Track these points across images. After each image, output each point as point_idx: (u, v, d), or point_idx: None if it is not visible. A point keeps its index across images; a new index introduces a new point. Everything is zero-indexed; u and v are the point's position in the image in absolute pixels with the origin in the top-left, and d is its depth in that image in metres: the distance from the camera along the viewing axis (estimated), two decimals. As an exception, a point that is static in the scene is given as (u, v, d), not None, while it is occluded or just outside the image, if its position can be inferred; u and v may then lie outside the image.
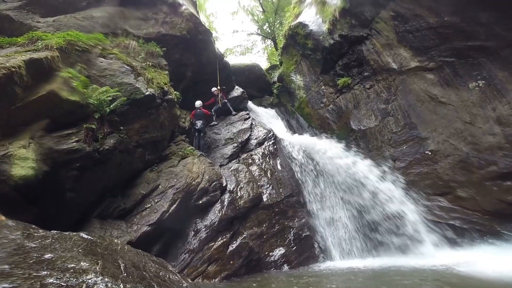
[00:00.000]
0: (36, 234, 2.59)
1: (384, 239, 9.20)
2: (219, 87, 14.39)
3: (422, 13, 10.02)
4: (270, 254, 8.44)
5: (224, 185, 9.43)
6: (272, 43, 27.96)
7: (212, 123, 13.43)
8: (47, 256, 2.27)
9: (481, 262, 6.89)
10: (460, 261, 7.10)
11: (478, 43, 9.05)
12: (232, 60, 23.92)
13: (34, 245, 2.37)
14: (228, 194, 9.22)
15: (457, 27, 9.33)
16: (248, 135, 12.47)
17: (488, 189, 8.31)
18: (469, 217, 8.52)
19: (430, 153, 9.57)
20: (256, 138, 12.29)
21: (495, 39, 8.76)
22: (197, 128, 11.77)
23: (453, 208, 8.79)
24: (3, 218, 3.55)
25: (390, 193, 9.67)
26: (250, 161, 10.90)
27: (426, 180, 9.46)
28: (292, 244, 8.79)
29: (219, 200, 8.96)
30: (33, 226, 2.72)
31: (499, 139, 8.36)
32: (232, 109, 14.29)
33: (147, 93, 8.62)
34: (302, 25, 15.18)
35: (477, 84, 9.01)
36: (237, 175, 10.03)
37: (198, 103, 12.55)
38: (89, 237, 3.15)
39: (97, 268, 2.39)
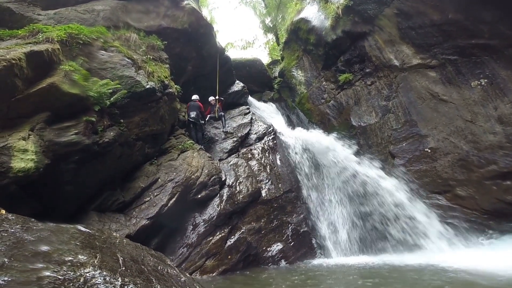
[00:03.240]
0: (34, 227, 2.58)
1: (382, 237, 9.24)
2: (217, 97, 13.09)
3: (426, 10, 9.96)
4: (268, 249, 8.47)
5: (223, 179, 9.44)
6: (274, 38, 27.82)
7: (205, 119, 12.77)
8: (44, 248, 2.26)
9: (480, 260, 6.92)
10: (458, 260, 7.13)
11: (482, 41, 9.01)
12: (233, 54, 23.77)
13: (32, 238, 2.37)
14: (227, 188, 9.24)
15: (461, 25, 9.29)
16: (248, 129, 12.47)
17: (488, 188, 8.32)
18: (468, 216, 8.53)
19: (429, 151, 9.56)
20: (256, 133, 12.29)
21: (499, 37, 8.72)
22: (190, 119, 11.54)
23: (452, 206, 8.80)
24: (3, 211, 3.56)
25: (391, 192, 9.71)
26: (249, 156, 10.90)
27: (425, 178, 9.46)
28: (290, 240, 8.83)
29: (218, 195, 8.97)
30: (32, 219, 2.71)
31: (500, 138, 8.35)
32: (225, 125, 12.61)
33: (147, 86, 8.59)
34: (305, 21, 15.11)
35: (479, 82, 8.99)
36: (236, 169, 10.04)
37: (195, 96, 12.34)
38: (87, 230, 3.15)
39: (95, 262, 2.39)
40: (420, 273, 6.45)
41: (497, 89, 8.67)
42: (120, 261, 2.66)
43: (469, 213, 8.53)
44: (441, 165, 9.23)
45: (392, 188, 9.70)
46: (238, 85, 16.63)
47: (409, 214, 9.09)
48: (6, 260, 1.92)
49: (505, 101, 8.47)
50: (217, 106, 12.77)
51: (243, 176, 9.77)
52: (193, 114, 11.58)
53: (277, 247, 8.59)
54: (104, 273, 2.25)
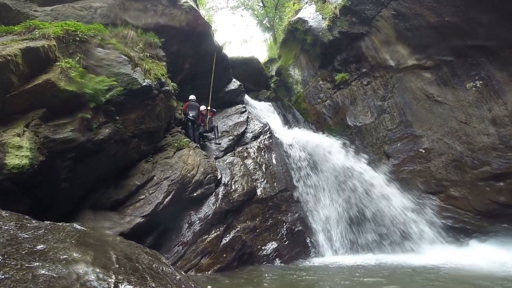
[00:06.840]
0: (29, 224, 2.59)
1: (375, 237, 9.29)
2: (208, 108, 12.33)
3: (423, 12, 10.00)
4: (263, 248, 8.50)
5: (219, 178, 9.43)
6: (272, 38, 27.79)
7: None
8: (40, 247, 2.27)
9: (472, 259, 7.02)
10: (452, 259, 7.21)
11: (478, 43, 9.06)
12: (231, 51, 23.73)
13: (27, 236, 2.38)
14: (222, 187, 9.24)
15: (458, 27, 9.32)
16: (244, 128, 12.47)
17: (481, 189, 8.40)
18: (461, 216, 8.61)
19: (424, 151, 9.62)
20: (252, 132, 12.31)
21: (496, 39, 8.76)
22: (190, 118, 11.52)
23: (445, 207, 8.88)
24: (-4, 208, 3.55)
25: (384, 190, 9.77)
26: (245, 155, 10.91)
27: (419, 178, 9.53)
28: (285, 239, 8.86)
29: (214, 193, 8.97)
30: (26, 216, 2.72)
31: (493, 139, 8.42)
32: (217, 136, 11.85)
33: (144, 84, 8.55)
34: (302, 21, 15.10)
35: (474, 84, 9.05)
36: (232, 168, 10.04)
37: (192, 97, 12.30)
38: (82, 228, 3.16)
39: (88, 259, 2.40)
40: (413, 272, 6.51)
41: (491, 91, 8.74)
42: (113, 259, 2.67)
43: (462, 214, 8.61)
44: (435, 165, 9.30)
45: (385, 188, 9.76)
46: (234, 84, 16.59)
47: (403, 214, 9.16)
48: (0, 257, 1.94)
49: (499, 103, 8.54)
50: (208, 117, 12.09)
51: (238, 175, 9.78)
52: (193, 113, 11.61)
53: (271, 246, 8.62)
54: (97, 270, 2.26)
